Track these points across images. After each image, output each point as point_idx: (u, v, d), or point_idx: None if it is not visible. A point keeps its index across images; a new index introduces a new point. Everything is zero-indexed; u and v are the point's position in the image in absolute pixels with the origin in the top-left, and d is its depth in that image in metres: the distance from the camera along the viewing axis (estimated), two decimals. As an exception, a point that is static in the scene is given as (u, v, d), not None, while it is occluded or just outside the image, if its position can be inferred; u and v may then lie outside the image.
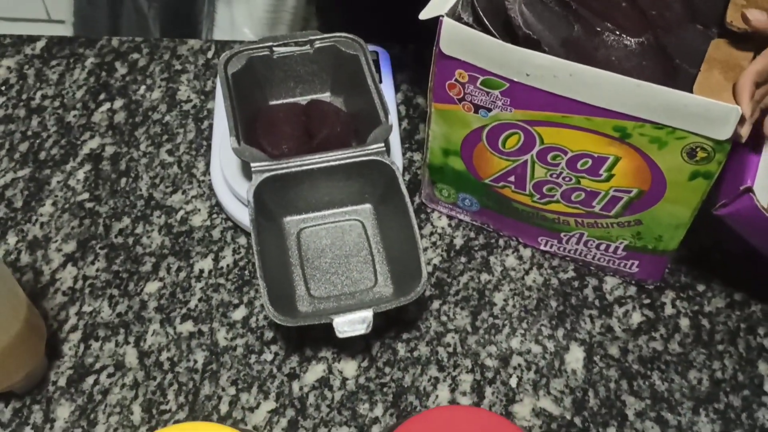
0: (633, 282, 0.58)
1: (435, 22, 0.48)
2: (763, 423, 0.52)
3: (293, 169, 0.56)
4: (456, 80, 0.50)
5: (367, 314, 0.50)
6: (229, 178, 0.59)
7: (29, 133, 0.67)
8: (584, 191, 0.52)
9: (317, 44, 0.63)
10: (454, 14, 0.49)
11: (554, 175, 0.52)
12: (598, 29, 0.49)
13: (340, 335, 0.50)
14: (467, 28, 0.47)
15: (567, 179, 0.52)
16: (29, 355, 0.51)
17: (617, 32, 0.49)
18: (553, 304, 0.57)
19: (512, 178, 0.54)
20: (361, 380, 0.54)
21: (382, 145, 0.56)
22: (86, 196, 0.63)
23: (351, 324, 0.50)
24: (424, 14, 0.49)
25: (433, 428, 0.39)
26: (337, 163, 0.56)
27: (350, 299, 0.54)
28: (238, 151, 0.55)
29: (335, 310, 0.52)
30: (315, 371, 0.54)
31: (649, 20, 0.49)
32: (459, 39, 0.48)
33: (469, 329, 0.56)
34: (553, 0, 0.51)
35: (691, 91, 0.44)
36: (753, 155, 0.48)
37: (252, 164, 0.55)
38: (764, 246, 0.51)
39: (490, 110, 0.50)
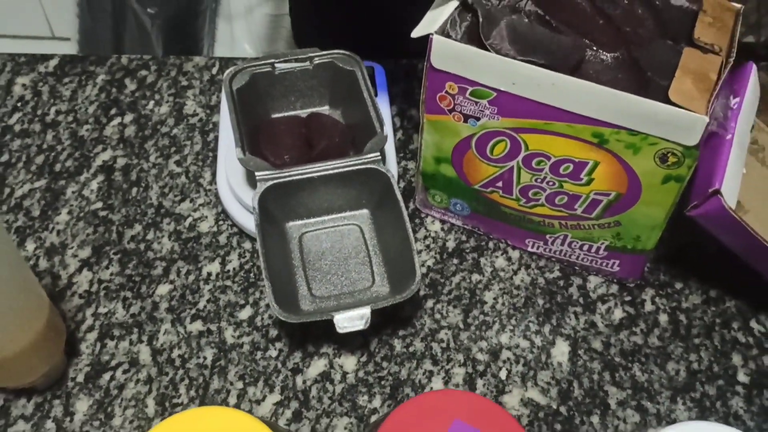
0: (615, 281, 0.62)
1: (425, 39, 0.52)
2: (736, 410, 0.55)
3: (295, 177, 0.59)
4: (446, 92, 0.53)
5: (366, 311, 0.53)
6: (235, 186, 0.62)
7: (44, 146, 0.70)
8: (567, 195, 0.56)
9: (316, 61, 0.66)
10: (443, 32, 0.52)
11: (539, 180, 0.56)
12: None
13: (340, 330, 0.53)
14: (456, 43, 0.51)
15: (551, 183, 0.55)
16: (50, 353, 0.54)
17: (594, 48, 0.53)
18: (540, 302, 0.61)
19: (500, 184, 0.58)
20: (361, 374, 0.57)
21: (378, 154, 0.60)
22: (100, 205, 0.66)
23: (350, 320, 0.53)
24: (416, 33, 0.52)
25: (427, 411, 0.42)
26: (335, 171, 0.60)
27: (349, 298, 0.57)
28: (244, 161, 0.58)
29: (335, 308, 0.55)
30: (317, 366, 0.57)
31: (624, 37, 0.53)
32: (448, 53, 0.51)
33: (461, 326, 0.59)
34: (534, 19, 0.54)
35: (662, 100, 0.48)
36: (721, 159, 0.52)
37: (256, 173, 0.58)
38: (733, 244, 0.55)
39: (478, 119, 0.54)
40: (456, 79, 0.52)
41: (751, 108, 0.56)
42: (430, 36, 0.51)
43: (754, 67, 0.57)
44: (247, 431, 0.40)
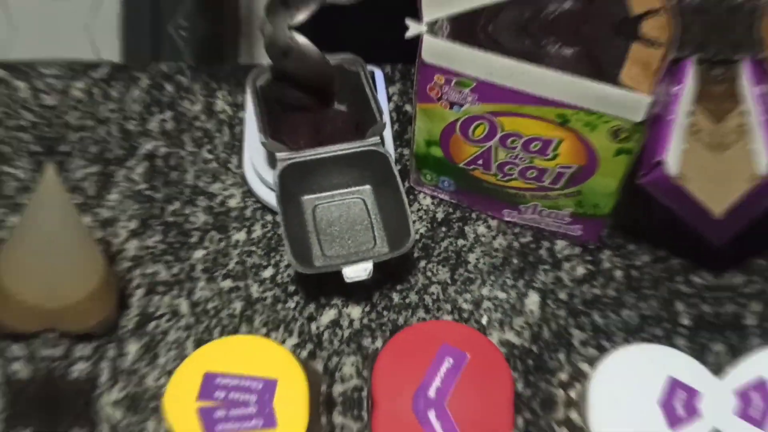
0: (578, 243, 0.64)
1: (417, 40, 0.54)
2: (680, 348, 0.57)
3: (309, 158, 0.61)
4: (435, 83, 0.56)
5: (369, 264, 0.55)
6: (259, 168, 0.64)
7: (98, 138, 0.72)
8: (536, 169, 0.58)
9: (326, 63, 0.68)
10: (432, 32, 0.54)
11: (513, 157, 0.58)
12: (543, 42, 0.55)
13: (348, 280, 0.55)
14: (443, 41, 0.53)
15: (523, 159, 0.58)
16: (105, 304, 0.56)
17: (558, 44, 0.55)
18: (515, 261, 0.63)
19: (481, 161, 0.60)
20: (365, 321, 0.59)
21: (378, 138, 0.62)
22: (145, 186, 0.68)
23: (356, 271, 0.55)
24: (409, 34, 0.54)
25: (420, 337, 0.44)
26: (343, 153, 0.61)
27: (355, 257, 0.59)
28: (266, 144, 0.61)
29: (344, 263, 0.57)
30: (328, 315, 0.59)
31: (583, 35, 0.55)
32: (437, 50, 0.53)
33: (449, 281, 0.61)
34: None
35: (616, 84, 0.50)
36: (665, 136, 0.54)
37: (277, 154, 0.61)
38: (678, 208, 0.56)
39: (462, 105, 0.56)
40: (443, 72, 0.54)
41: (689, 95, 0.58)
42: (421, 36, 0.53)
43: (692, 61, 0.59)
44: (272, 354, 0.42)
